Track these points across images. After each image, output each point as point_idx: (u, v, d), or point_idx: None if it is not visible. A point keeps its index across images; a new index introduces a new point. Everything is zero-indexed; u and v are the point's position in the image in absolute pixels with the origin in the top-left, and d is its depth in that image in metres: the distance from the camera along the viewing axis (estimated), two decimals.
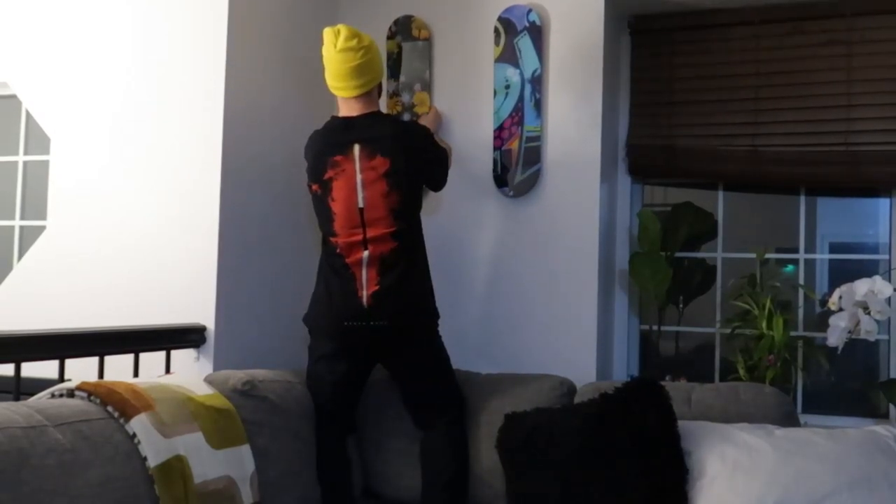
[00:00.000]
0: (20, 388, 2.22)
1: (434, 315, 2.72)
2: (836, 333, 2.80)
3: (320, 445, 2.66)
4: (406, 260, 2.60)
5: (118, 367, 2.52)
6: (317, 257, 2.73)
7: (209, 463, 2.11)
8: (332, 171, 2.59)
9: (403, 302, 2.61)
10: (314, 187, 2.64)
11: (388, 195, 2.56)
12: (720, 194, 3.42)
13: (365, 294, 2.56)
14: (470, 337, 3.20)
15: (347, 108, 2.65)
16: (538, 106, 3.19)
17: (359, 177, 2.56)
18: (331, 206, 2.59)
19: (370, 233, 2.56)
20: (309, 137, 2.71)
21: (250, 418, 2.38)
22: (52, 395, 2.08)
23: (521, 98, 3.20)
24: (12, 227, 3.68)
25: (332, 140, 2.63)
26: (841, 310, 2.82)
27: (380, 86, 2.73)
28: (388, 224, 2.56)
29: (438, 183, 2.82)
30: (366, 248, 2.56)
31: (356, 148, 2.58)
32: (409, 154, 2.61)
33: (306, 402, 2.66)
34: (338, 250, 2.60)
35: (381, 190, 2.56)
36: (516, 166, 3.19)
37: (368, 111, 2.64)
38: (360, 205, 2.56)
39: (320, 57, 2.62)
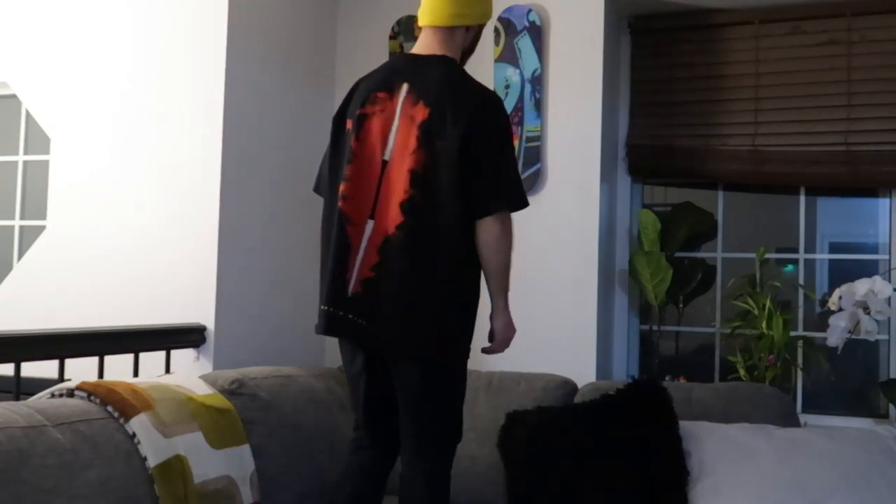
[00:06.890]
0: (20, 388, 2.22)
1: (453, 347, 2.12)
2: (836, 333, 2.80)
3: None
4: (424, 249, 2.03)
5: (118, 367, 2.52)
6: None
7: (209, 463, 2.11)
8: (372, 108, 2.10)
9: (401, 308, 2.03)
10: (348, 124, 2.15)
11: (415, 152, 2.02)
12: (720, 194, 3.42)
13: (354, 278, 2.05)
14: None
15: (421, 43, 2.21)
16: (538, 106, 3.18)
17: (396, 122, 2.07)
18: (352, 146, 2.09)
19: (382, 198, 2.04)
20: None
21: (241, 417, 2.36)
22: (52, 395, 2.08)
23: (520, 98, 3.20)
24: (12, 227, 3.68)
25: (386, 74, 2.17)
26: (841, 310, 2.82)
27: (467, 37, 2.23)
28: (405, 191, 2.01)
29: (491, 195, 2.09)
30: (372, 217, 2.05)
31: (404, 87, 2.10)
32: (469, 121, 2.04)
33: (305, 397, 2.61)
34: (339, 203, 2.07)
35: (411, 145, 2.03)
36: None
37: (440, 53, 2.17)
38: (385, 157, 2.07)
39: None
